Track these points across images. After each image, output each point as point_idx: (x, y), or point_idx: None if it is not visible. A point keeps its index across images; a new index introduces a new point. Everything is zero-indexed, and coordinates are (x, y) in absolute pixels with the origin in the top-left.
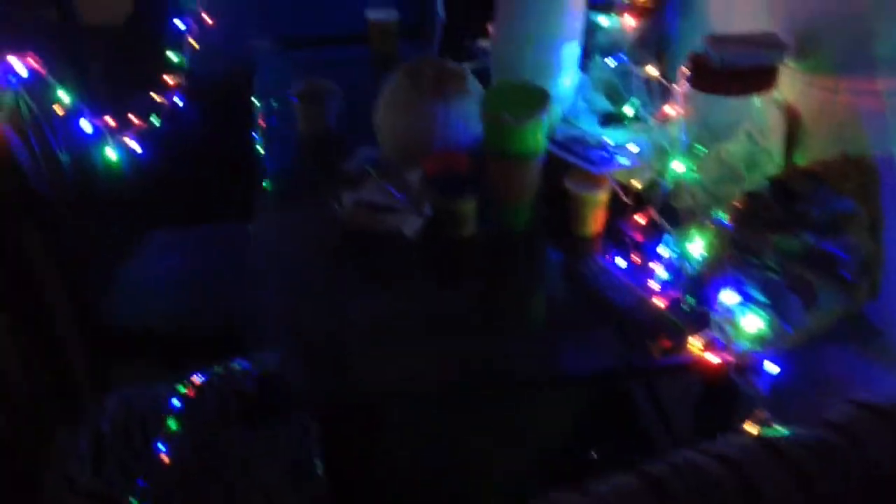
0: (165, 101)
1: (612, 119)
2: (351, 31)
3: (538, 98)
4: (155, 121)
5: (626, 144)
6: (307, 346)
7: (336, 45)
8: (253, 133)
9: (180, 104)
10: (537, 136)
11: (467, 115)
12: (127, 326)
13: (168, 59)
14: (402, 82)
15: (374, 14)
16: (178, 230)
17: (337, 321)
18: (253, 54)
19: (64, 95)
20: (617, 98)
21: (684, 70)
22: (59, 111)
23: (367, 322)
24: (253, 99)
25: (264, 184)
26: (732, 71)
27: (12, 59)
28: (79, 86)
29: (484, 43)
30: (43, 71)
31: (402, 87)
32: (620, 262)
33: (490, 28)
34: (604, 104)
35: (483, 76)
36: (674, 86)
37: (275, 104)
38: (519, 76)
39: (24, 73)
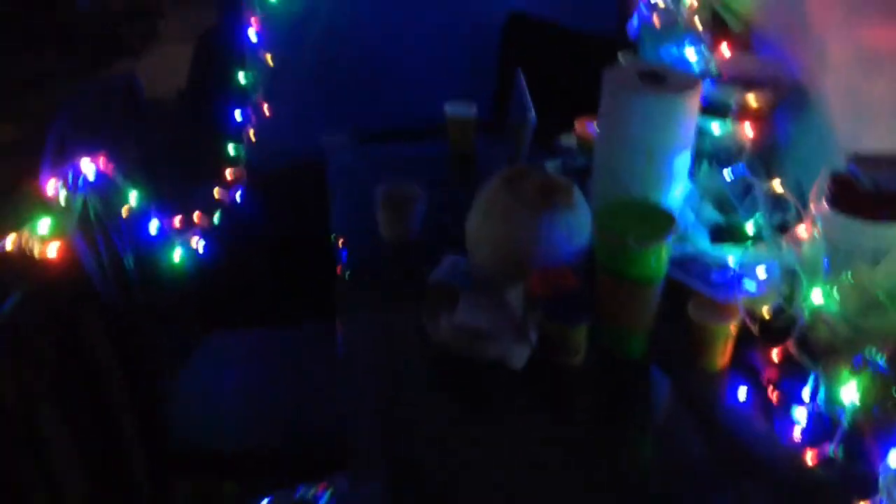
0: (225, 197)
1: (724, 233)
2: (426, 125)
3: (661, 219)
4: (215, 218)
5: (749, 265)
6: (406, 479)
7: (410, 139)
8: (324, 234)
9: (240, 200)
10: (660, 261)
11: (572, 228)
12: (187, 439)
13: (226, 152)
14: (502, 191)
15: (452, 109)
16: (238, 334)
17: (437, 453)
18: (323, 148)
19: (132, 196)
20: (727, 209)
21: (824, 189)
22: (126, 212)
23: (470, 454)
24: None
25: (343, 290)
26: (884, 195)
27: (84, 162)
28: (145, 182)
29: (568, 140)
30: (111, 171)
31: (501, 196)
32: (753, 404)
33: (577, 125)
34: (713, 215)
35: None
36: (801, 202)
37: (351, 204)
38: (625, 186)
39: (92, 176)
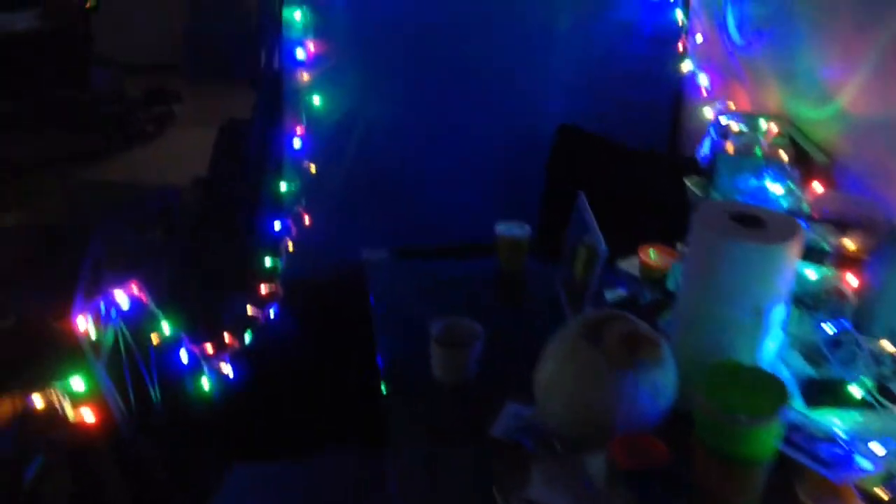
0: (259, 314)
1: (822, 394)
2: (469, 241)
3: (771, 387)
4: (247, 337)
5: (860, 437)
6: None
7: (452, 256)
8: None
9: (274, 317)
10: (773, 438)
11: (658, 388)
12: None
13: (261, 264)
14: (581, 340)
15: (504, 229)
16: (265, 465)
17: None
18: (362, 264)
19: (165, 326)
20: (819, 362)
21: None
22: (156, 341)
23: None
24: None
25: (391, 426)
26: None
27: (117, 293)
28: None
29: (628, 266)
30: (144, 299)
31: (580, 346)
32: None
33: (642, 254)
34: (804, 368)
35: (628, 309)
36: None
37: (396, 331)
38: (715, 339)
39: (126, 305)
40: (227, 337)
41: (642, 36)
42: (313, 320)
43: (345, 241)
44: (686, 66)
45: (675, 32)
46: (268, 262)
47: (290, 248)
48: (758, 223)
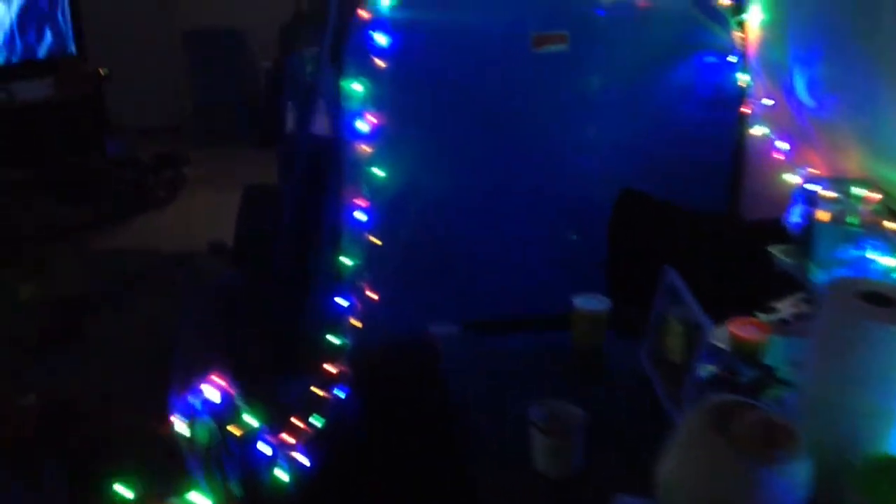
0: (327, 396)
1: None
2: (540, 312)
3: None
4: (317, 421)
5: None
6: None
7: (523, 330)
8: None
9: (343, 397)
10: None
11: (794, 483)
12: None
13: (325, 342)
14: (707, 432)
15: (582, 302)
16: None
17: None
18: (433, 340)
19: (249, 419)
20: None
21: None
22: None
23: None
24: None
25: None
26: None
27: (206, 388)
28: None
29: (718, 340)
30: (232, 393)
31: (708, 438)
32: None
33: (733, 328)
34: None
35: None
36: None
37: (477, 414)
38: (848, 426)
39: (216, 399)
40: (299, 424)
41: (701, 98)
42: (384, 399)
43: (411, 315)
44: (757, 130)
45: (735, 94)
46: (332, 339)
47: (355, 325)
48: (889, 302)
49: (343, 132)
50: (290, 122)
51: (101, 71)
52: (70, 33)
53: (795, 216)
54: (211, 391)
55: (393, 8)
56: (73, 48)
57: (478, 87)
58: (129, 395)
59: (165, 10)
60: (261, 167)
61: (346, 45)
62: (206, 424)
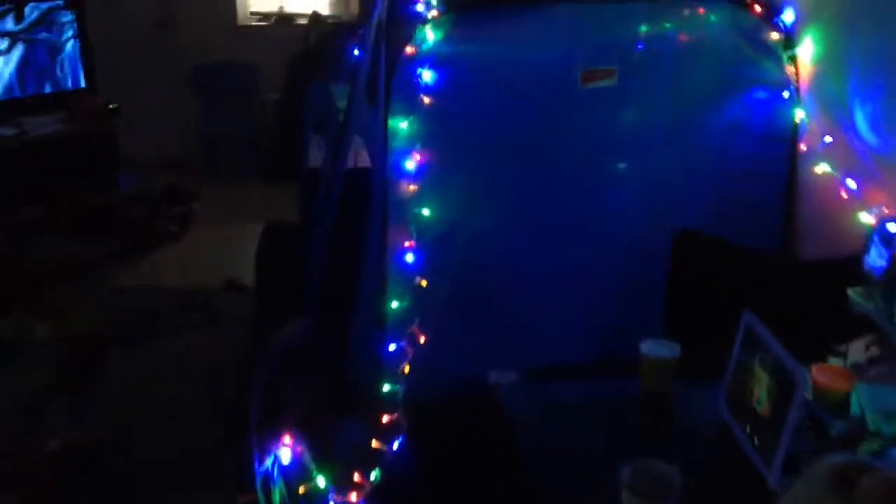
0: (383, 447)
1: None
2: (602, 356)
3: None
4: (374, 475)
5: None
6: None
7: (583, 375)
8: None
9: (400, 448)
10: None
11: None
12: None
13: (377, 389)
14: (831, 495)
15: (650, 348)
16: None
17: None
18: (493, 388)
19: (320, 480)
20: None
21: None
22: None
23: None
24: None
25: None
26: None
27: (281, 451)
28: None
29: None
30: (302, 454)
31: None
32: None
33: (817, 375)
34: None
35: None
36: None
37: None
38: None
39: (287, 460)
40: (356, 478)
41: (753, 134)
42: (445, 452)
43: (465, 360)
44: (818, 168)
45: (787, 130)
46: (385, 387)
47: (407, 371)
48: None
49: (387, 171)
50: (315, 157)
51: (110, 105)
52: (80, 67)
53: (876, 258)
54: (284, 453)
55: (438, 43)
56: (83, 82)
57: (525, 123)
58: (153, 437)
59: (173, 44)
60: (271, 201)
61: (391, 82)
62: (280, 488)
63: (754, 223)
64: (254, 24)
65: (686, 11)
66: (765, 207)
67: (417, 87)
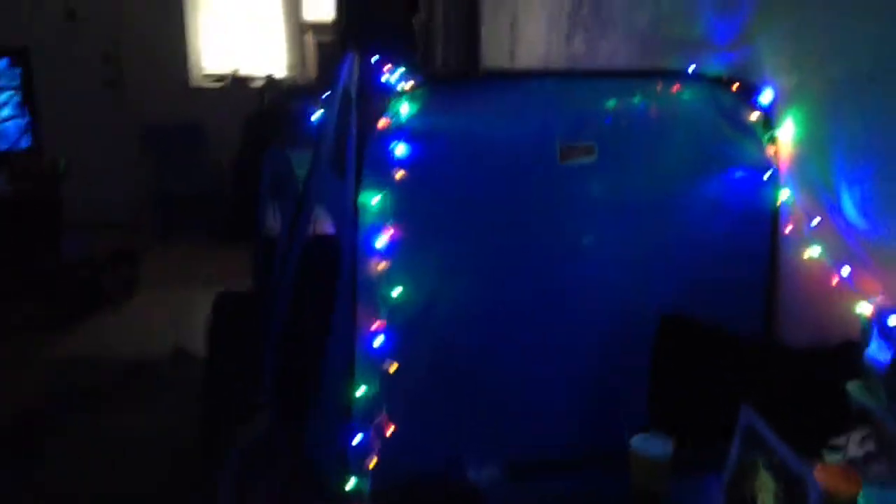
0: None
1: None
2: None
3: None
4: None
5: None
6: None
7: (569, 470)
8: None
9: None
10: None
11: None
12: None
13: (341, 484)
14: None
15: (641, 444)
16: None
17: None
18: (474, 486)
19: None
20: None
21: None
22: None
23: None
24: None
25: None
26: None
27: None
28: None
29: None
30: None
31: None
32: None
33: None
34: None
35: None
36: None
37: None
38: None
39: None
40: None
41: (733, 214)
42: None
43: (438, 452)
44: (813, 250)
45: (768, 211)
46: (350, 482)
47: (374, 465)
48: None
49: (356, 248)
50: (272, 223)
51: (57, 164)
52: (26, 126)
53: (878, 351)
54: None
55: (412, 117)
56: (27, 141)
57: (500, 199)
58: None
59: (122, 104)
60: (221, 264)
61: (363, 156)
62: None
63: (735, 304)
64: (207, 85)
65: (663, 88)
66: (745, 289)
67: (390, 162)
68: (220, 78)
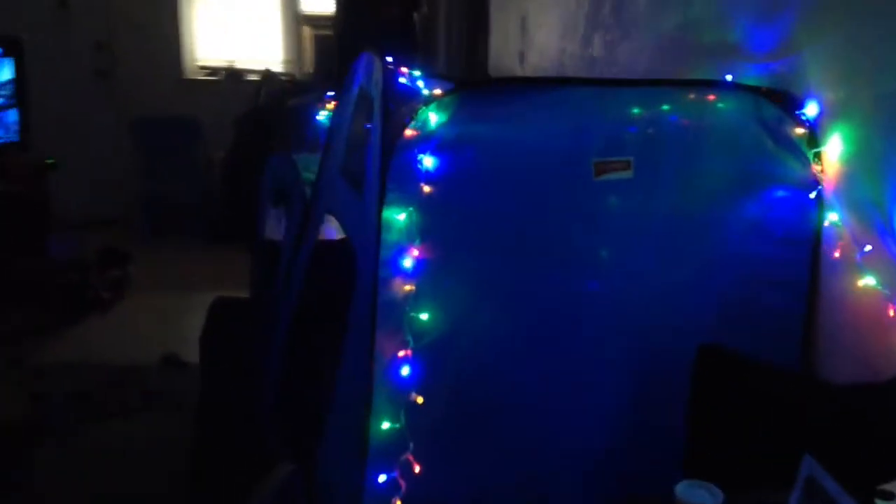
0: None
1: None
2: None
3: None
4: None
5: None
6: None
7: None
8: None
9: None
10: None
11: None
12: None
13: None
14: None
15: (687, 494)
16: None
17: None
18: None
19: None
20: None
21: None
22: None
23: None
24: None
25: None
26: None
27: None
28: None
29: None
30: None
31: None
32: None
33: None
34: None
35: None
36: None
37: None
38: None
39: None
40: None
41: (773, 236)
42: None
43: (461, 491)
44: (863, 278)
45: (811, 235)
46: None
47: None
48: None
49: (379, 268)
50: (272, 230)
51: (46, 160)
52: (14, 120)
53: None
54: None
55: (441, 126)
56: (16, 136)
57: (531, 217)
58: None
59: (113, 95)
60: (216, 267)
61: (388, 170)
62: None
63: (771, 332)
64: (201, 77)
65: (704, 98)
66: (783, 317)
67: (417, 175)
68: (215, 71)
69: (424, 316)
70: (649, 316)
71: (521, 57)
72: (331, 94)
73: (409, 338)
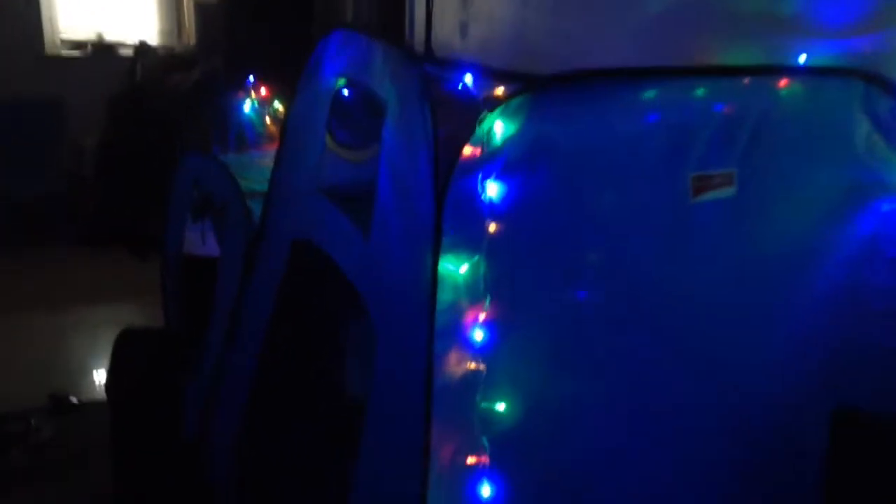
0: None
1: None
2: None
3: None
4: None
5: None
6: None
7: None
8: None
9: None
10: None
11: None
12: None
13: None
14: None
15: None
16: None
17: None
18: None
19: None
20: None
21: None
22: None
23: None
24: None
25: None
26: None
27: None
28: None
29: None
30: None
31: None
32: None
33: None
34: None
35: None
36: None
37: None
38: None
39: None
40: None
41: (887, 260)
42: None
43: None
44: None
45: None
46: None
47: None
48: None
49: (432, 341)
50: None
51: None
52: None
53: None
54: None
55: (509, 140)
56: None
57: (618, 258)
58: None
59: None
60: (88, 274)
61: (446, 204)
62: None
63: (883, 376)
64: (65, 53)
65: (801, 89)
66: None
67: (482, 210)
68: (81, 45)
69: (501, 406)
70: (764, 371)
71: (463, 28)
72: (251, 78)
73: (485, 437)
